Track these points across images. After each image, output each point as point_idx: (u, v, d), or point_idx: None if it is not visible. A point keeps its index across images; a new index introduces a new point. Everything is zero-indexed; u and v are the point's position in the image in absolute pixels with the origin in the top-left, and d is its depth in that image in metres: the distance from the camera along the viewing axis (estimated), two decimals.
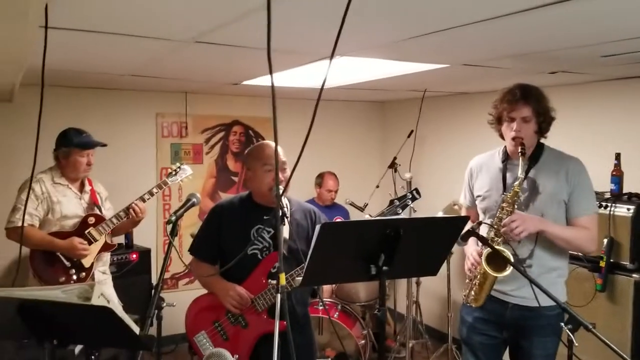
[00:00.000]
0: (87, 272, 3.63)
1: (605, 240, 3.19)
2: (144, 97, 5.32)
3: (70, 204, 3.65)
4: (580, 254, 3.26)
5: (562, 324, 2.12)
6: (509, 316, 2.76)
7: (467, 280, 2.84)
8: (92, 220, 3.66)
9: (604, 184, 3.50)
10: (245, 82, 4.35)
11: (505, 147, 2.85)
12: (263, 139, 5.87)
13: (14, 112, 4.69)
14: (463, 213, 3.14)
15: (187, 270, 5.53)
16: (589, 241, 2.71)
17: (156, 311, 2.36)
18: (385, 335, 2.28)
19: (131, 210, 3.66)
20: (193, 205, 2.67)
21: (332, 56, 1.48)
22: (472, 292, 2.79)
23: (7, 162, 4.70)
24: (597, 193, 3.51)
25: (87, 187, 3.79)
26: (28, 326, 1.84)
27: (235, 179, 5.85)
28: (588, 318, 2.14)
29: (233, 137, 5.82)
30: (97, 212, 3.75)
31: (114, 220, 3.67)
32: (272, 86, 1.35)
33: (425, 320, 5.38)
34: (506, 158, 2.82)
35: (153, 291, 2.38)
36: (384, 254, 2.09)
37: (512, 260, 2.51)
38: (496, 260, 2.61)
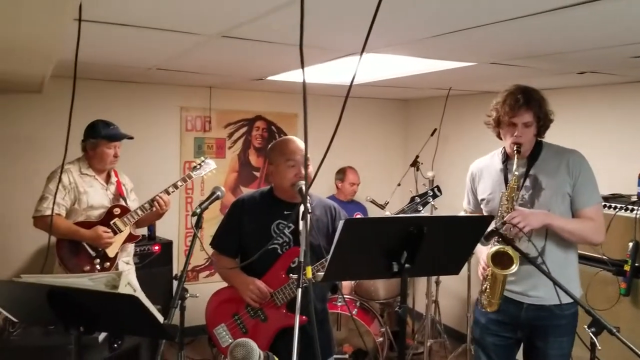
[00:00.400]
0: (112, 262, 3.69)
1: (631, 244, 3.16)
2: (169, 91, 5.37)
3: (96, 195, 3.70)
4: (605, 257, 3.24)
5: (586, 327, 2.11)
6: (524, 317, 2.75)
7: (481, 286, 2.83)
8: (117, 211, 3.71)
9: (631, 187, 3.46)
10: (269, 78, 4.37)
11: (504, 148, 2.85)
12: (285, 134, 5.88)
13: (43, 103, 4.78)
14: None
15: (207, 263, 5.58)
16: (595, 232, 2.69)
17: (180, 301, 2.39)
18: (405, 332, 2.28)
19: (155, 203, 3.70)
20: (218, 198, 2.69)
21: (362, 52, 1.48)
22: (485, 296, 2.77)
23: (35, 152, 4.79)
24: (623, 196, 3.49)
25: (114, 179, 3.85)
26: (56, 312, 1.87)
27: (257, 174, 5.88)
28: (612, 322, 2.12)
29: (256, 133, 5.85)
30: (123, 203, 3.80)
31: (139, 212, 3.71)
32: (304, 82, 1.36)
33: (444, 319, 5.37)
34: (506, 159, 2.82)
35: (177, 282, 2.41)
36: (406, 252, 2.09)
37: (516, 255, 2.52)
38: (503, 260, 2.60)
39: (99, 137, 3.66)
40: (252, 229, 2.79)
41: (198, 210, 2.53)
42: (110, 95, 5.09)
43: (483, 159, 3.01)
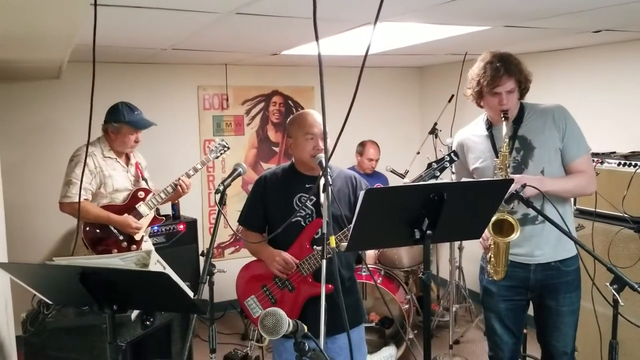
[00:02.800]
0: (138, 245, 3.80)
1: None
2: (186, 70, 5.40)
3: (119, 178, 3.76)
4: (626, 215, 3.24)
5: (607, 284, 2.13)
6: (533, 278, 2.80)
7: (488, 256, 2.85)
8: (141, 194, 3.79)
9: None
10: (284, 52, 4.37)
11: (485, 115, 2.90)
12: (302, 108, 5.90)
13: (62, 88, 4.84)
14: None
15: (232, 239, 5.65)
16: (589, 184, 2.78)
17: (208, 277, 2.45)
18: (429, 298, 2.32)
19: (178, 187, 3.79)
20: (239, 174, 2.74)
21: (375, 21, 1.49)
22: (490, 266, 2.80)
23: (57, 138, 4.87)
24: (637, 153, 3.45)
25: (132, 160, 3.92)
26: (89, 293, 1.92)
27: (276, 149, 5.91)
28: (635, 279, 2.14)
29: (273, 108, 5.86)
30: (144, 185, 3.87)
31: (162, 196, 3.79)
32: (319, 55, 1.38)
33: (468, 285, 5.39)
34: (490, 126, 2.86)
35: (204, 258, 2.46)
36: (427, 219, 2.11)
37: (516, 222, 2.57)
38: (503, 228, 2.63)
39: (123, 122, 3.69)
40: (275, 203, 2.85)
41: (221, 188, 2.58)
42: (127, 77, 5.14)
43: (467, 129, 3.03)
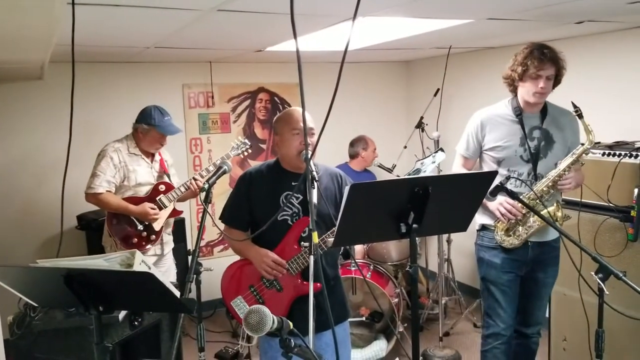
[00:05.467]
0: (157, 235, 3.97)
1: (636, 190, 3.17)
2: (170, 69, 5.36)
3: (143, 173, 3.95)
4: (611, 204, 3.28)
5: (592, 273, 2.15)
6: (530, 254, 3.11)
7: (500, 226, 3.09)
8: (162, 188, 3.96)
9: (634, 133, 3.46)
10: (268, 49, 4.36)
11: (515, 101, 3.09)
12: (289, 105, 5.89)
13: (45, 89, 4.79)
14: (457, 161, 3.30)
15: (221, 238, 5.64)
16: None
17: (195, 276, 2.44)
18: (417, 291, 2.33)
19: (192, 186, 3.93)
20: (225, 172, 2.73)
21: (354, 16, 1.49)
22: (517, 234, 3.05)
23: (38, 139, 4.84)
24: (627, 143, 3.48)
25: (157, 157, 4.08)
26: (74, 294, 1.91)
27: (264, 146, 5.90)
28: (620, 268, 2.16)
29: (259, 105, 5.84)
30: (167, 180, 4.03)
31: (182, 189, 3.95)
32: (297, 51, 1.37)
33: (457, 277, 5.43)
34: (520, 112, 3.05)
35: (190, 257, 2.45)
36: (413, 212, 2.12)
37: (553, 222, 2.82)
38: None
39: (153, 125, 3.88)
40: (261, 200, 2.82)
41: (206, 186, 2.57)
42: (111, 76, 5.10)
43: (492, 109, 3.18)
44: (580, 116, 2.87)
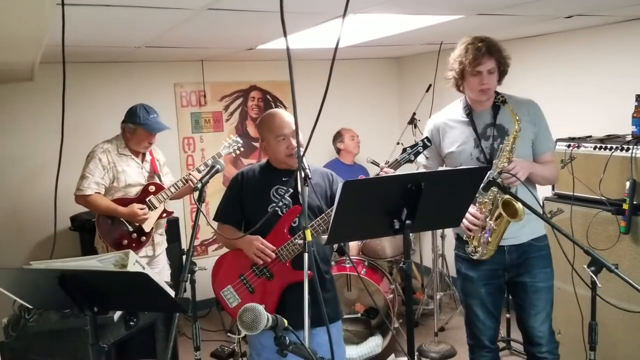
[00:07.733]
0: (147, 236, 3.93)
1: (628, 183, 3.18)
2: (161, 68, 5.35)
3: (133, 173, 3.91)
4: (603, 198, 3.29)
5: (585, 266, 2.16)
6: (508, 258, 2.89)
7: (471, 237, 2.86)
8: (152, 188, 3.93)
9: (625, 127, 3.47)
10: (260, 47, 4.35)
11: (464, 100, 2.95)
12: (282, 102, 5.89)
13: (36, 91, 4.77)
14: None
15: (215, 236, 5.63)
16: (556, 172, 3.06)
17: (189, 275, 2.44)
18: (411, 287, 2.33)
19: (189, 182, 3.88)
20: (217, 171, 2.73)
21: (344, 14, 1.49)
22: (479, 246, 2.82)
23: (30, 140, 4.82)
24: (618, 136, 3.50)
25: (148, 157, 4.06)
26: (69, 296, 1.91)
27: (256, 144, 5.88)
28: (613, 260, 2.18)
29: (251, 103, 5.84)
30: (157, 180, 4.00)
31: (172, 190, 3.91)
32: (288, 49, 1.38)
33: (452, 272, 5.43)
34: (470, 111, 2.91)
35: (185, 256, 2.45)
36: (406, 209, 2.13)
37: (521, 206, 2.55)
38: (508, 208, 2.64)
39: (138, 124, 3.84)
40: (252, 197, 2.84)
41: (199, 185, 2.57)
42: (103, 76, 5.08)
43: (443, 113, 3.06)
44: (504, 102, 2.72)
